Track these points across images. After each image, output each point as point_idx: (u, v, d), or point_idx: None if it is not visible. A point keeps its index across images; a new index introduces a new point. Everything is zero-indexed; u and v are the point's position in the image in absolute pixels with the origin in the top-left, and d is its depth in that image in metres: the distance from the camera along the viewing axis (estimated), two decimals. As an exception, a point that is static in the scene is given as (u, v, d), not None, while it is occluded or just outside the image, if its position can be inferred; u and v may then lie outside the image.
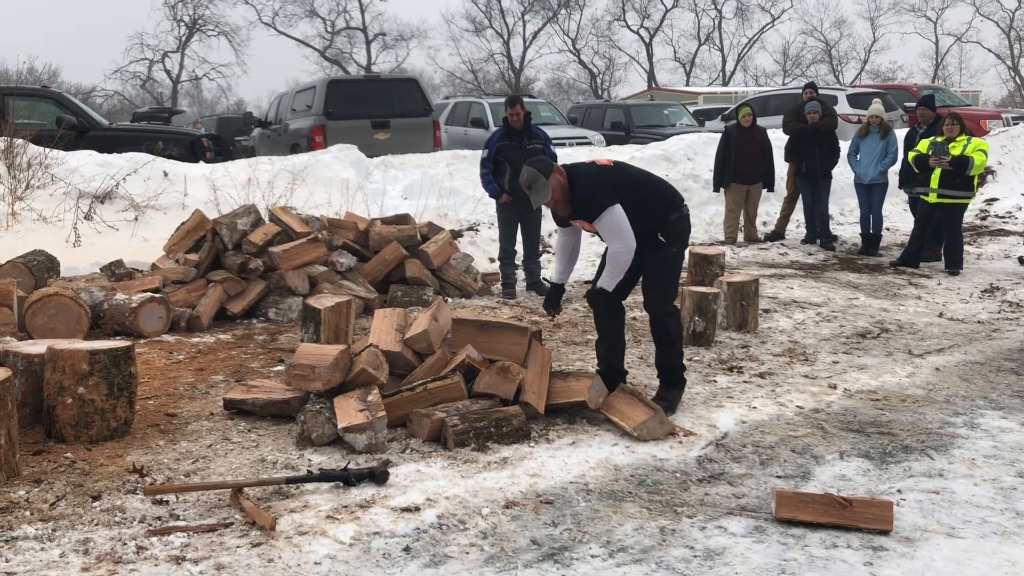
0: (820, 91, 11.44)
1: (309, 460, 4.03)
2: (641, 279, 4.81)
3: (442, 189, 10.58)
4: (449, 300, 7.45)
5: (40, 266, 7.05)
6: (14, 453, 3.77)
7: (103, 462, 3.98)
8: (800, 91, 12.06)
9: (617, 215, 4.49)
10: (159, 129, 14.77)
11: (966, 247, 9.89)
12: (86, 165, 9.95)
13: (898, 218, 12.35)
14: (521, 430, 4.33)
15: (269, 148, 15.36)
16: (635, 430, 4.32)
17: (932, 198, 9.24)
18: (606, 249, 4.71)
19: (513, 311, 7.34)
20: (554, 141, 15.56)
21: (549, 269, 9.04)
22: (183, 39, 49.36)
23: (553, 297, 5.01)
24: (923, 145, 9.35)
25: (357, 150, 11.68)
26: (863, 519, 3.39)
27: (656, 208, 4.67)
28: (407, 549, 3.21)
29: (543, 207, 8.07)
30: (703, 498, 3.70)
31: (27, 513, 3.43)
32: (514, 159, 7.80)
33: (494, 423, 4.30)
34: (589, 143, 15.70)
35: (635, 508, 3.59)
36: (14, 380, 4.02)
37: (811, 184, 10.67)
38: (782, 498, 3.48)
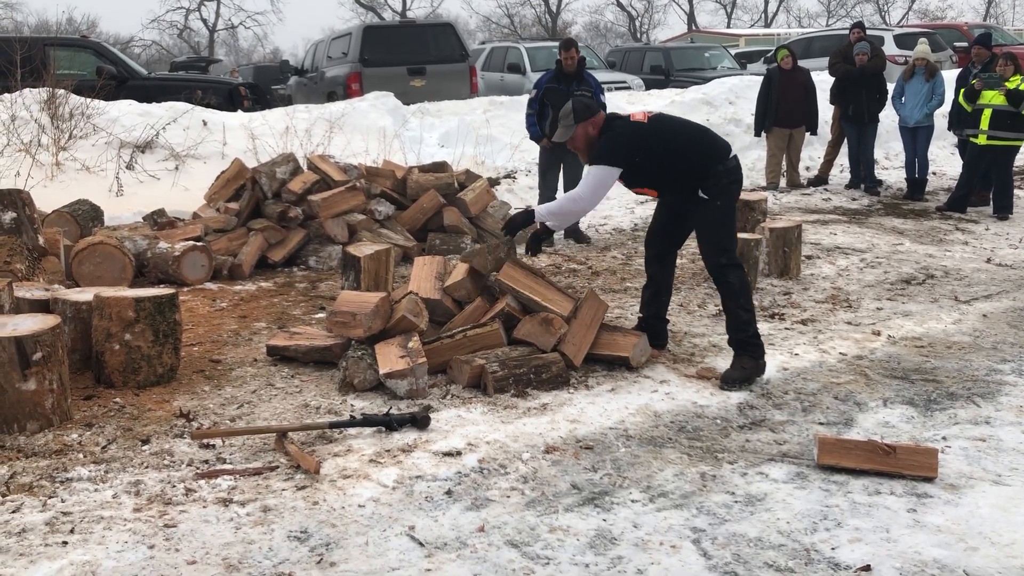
0: (867, 31, 11.10)
1: (351, 405, 4.08)
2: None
3: (479, 136, 10.52)
4: (487, 247, 7.43)
5: (85, 215, 7.15)
6: (66, 397, 3.87)
7: (151, 407, 4.06)
8: (846, 32, 11.73)
9: (602, 175, 4.30)
10: (197, 78, 14.81)
11: (1016, 191, 9.63)
12: (126, 115, 10.03)
13: (945, 162, 12.05)
14: (560, 377, 4.34)
15: (306, 96, 15.34)
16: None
17: (982, 140, 8.99)
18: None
19: (551, 259, 7.31)
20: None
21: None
22: (218, -13, 49.21)
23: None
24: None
25: (393, 97, 11.62)
26: (907, 466, 3.36)
27: (694, 164, 4.39)
28: (449, 492, 3.25)
29: None
30: (744, 444, 3.69)
31: (80, 455, 3.52)
32: (558, 103, 7.65)
33: (533, 370, 4.31)
34: (628, 87, 15.47)
35: (675, 454, 3.60)
36: (64, 327, 4.10)
37: (857, 128, 10.42)
38: (824, 444, 3.45)
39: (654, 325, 4.78)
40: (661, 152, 4.36)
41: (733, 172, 4.45)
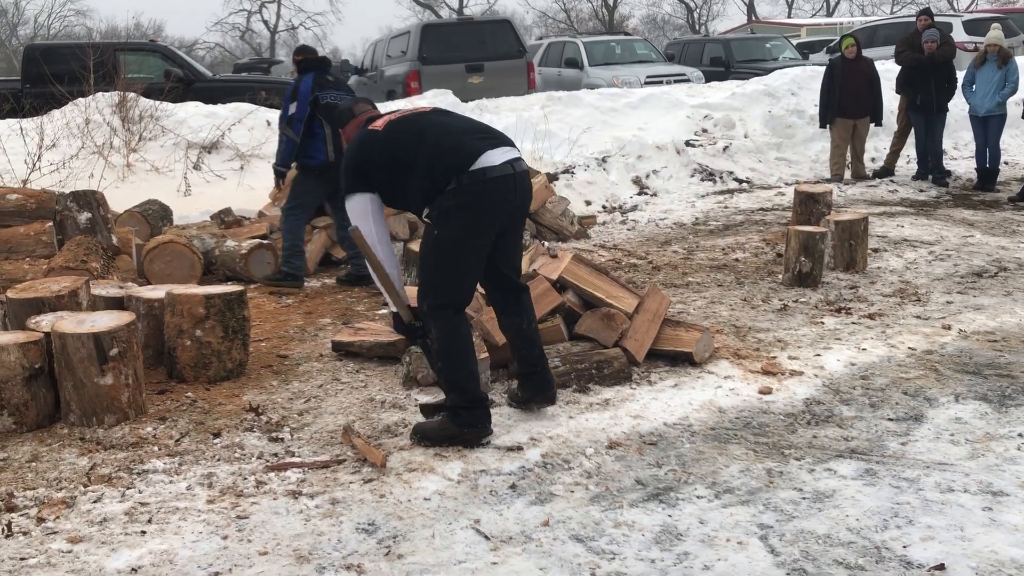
0: (934, 18, 10.81)
1: (415, 400, 4.13)
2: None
3: (537, 132, 10.51)
4: (546, 244, 7.44)
5: (155, 215, 7.36)
6: (141, 392, 3.99)
7: (221, 401, 4.16)
8: (912, 19, 11.44)
9: (355, 205, 3.55)
10: (260, 79, 15.09)
11: (1094, 180, 9.30)
12: (193, 116, 10.27)
13: (1018, 151, 11.68)
14: (622, 372, 4.33)
15: (366, 95, 15.49)
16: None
17: (1058, 129, 8.69)
18: None
19: (611, 254, 7.29)
20: (650, 79, 15.01)
21: None
22: (279, -11, 50.06)
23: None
24: None
25: (452, 95, 11.69)
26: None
27: (422, 180, 3.50)
28: (513, 487, 3.27)
29: None
30: (811, 440, 3.64)
31: (155, 448, 3.63)
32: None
33: (595, 365, 4.31)
34: (687, 80, 15.32)
35: (741, 450, 3.56)
36: (138, 323, 4.22)
37: (925, 118, 10.16)
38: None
39: (526, 377, 3.89)
40: (391, 166, 3.54)
41: (470, 191, 3.46)
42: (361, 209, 3.57)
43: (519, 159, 3.63)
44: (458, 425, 3.56)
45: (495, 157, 3.51)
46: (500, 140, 3.64)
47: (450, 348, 3.55)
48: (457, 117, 3.75)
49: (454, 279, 3.55)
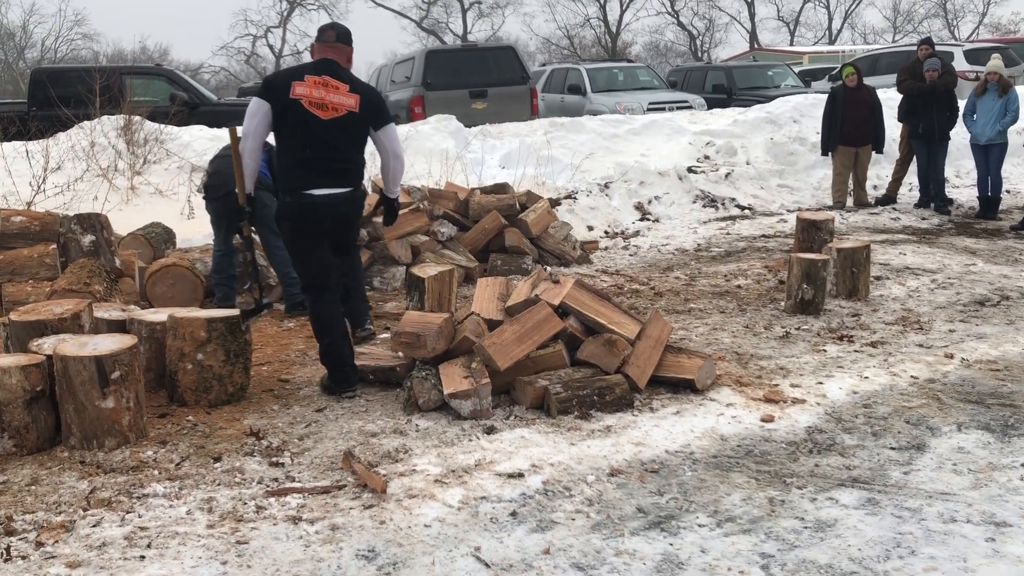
0: (936, 47, 10.88)
1: (416, 425, 4.12)
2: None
3: (540, 157, 10.56)
4: (548, 269, 7.46)
5: (158, 238, 7.38)
6: (142, 415, 3.98)
7: (222, 425, 4.16)
8: (914, 48, 11.52)
9: (251, 108, 4.36)
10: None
11: (1096, 209, 9.31)
12: (198, 140, 10.33)
13: (1019, 179, 11.71)
14: (624, 399, 4.32)
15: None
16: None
17: (1059, 158, 8.72)
18: None
19: (613, 280, 7.30)
20: (652, 105, 15.15)
21: None
22: (285, 14, 50.59)
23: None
24: None
25: (456, 120, 11.75)
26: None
27: (280, 164, 4.51)
28: (514, 514, 3.25)
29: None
30: (813, 469, 3.63)
31: (155, 472, 3.62)
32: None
33: (597, 391, 4.30)
34: (690, 107, 15.40)
35: (743, 478, 3.55)
36: (140, 347, 4.22)
37: (927, 146, 10.20)
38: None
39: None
40: (273, 117, 4.38)
41: (292, 208, 4.44)
42: (253, 111, 4.33)
43: (344, 191, 4.47)
44: (328, 381, 4.58)
45: (320, 191, 4.38)
46: (335, 180, 4.43)
47: (313, 320, 4.60)
48: (327, 147, 4.39)
49: (301, 264, 4.57)
